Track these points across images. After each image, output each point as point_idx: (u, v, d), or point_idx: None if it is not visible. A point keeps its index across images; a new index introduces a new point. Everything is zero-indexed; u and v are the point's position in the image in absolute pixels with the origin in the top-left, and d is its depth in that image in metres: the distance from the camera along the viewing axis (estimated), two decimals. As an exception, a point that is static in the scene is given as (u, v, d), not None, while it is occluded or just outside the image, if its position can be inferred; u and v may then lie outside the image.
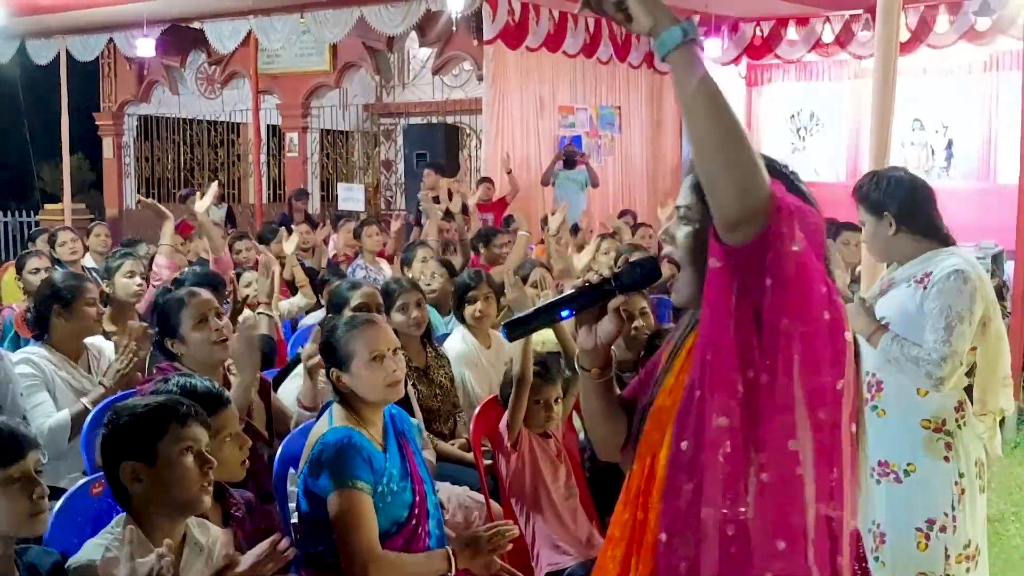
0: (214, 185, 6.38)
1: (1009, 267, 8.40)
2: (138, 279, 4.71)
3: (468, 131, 13.28)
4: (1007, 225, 6.73)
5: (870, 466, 2.82)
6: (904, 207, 2.89)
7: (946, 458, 2.79)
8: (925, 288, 2.79)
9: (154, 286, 4.92)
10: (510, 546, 2.80)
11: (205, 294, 3.41)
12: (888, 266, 3.04)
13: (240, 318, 4.94)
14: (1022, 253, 6.40)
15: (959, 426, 2.81)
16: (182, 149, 15.63)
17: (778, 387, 1.54)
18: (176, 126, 15.58)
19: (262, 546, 2.15)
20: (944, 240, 2.90)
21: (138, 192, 15.12)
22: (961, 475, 2.80)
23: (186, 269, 5.03)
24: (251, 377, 3.17)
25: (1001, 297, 8.11)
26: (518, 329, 1.79)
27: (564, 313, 1.74)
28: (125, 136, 15.62)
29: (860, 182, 3.01)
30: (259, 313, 4.80)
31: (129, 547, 2.08)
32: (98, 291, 3.86)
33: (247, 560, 2.14)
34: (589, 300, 1.72)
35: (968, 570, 2.81)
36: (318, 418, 2.87)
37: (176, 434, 2.17)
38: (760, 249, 1.49)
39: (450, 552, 2.67)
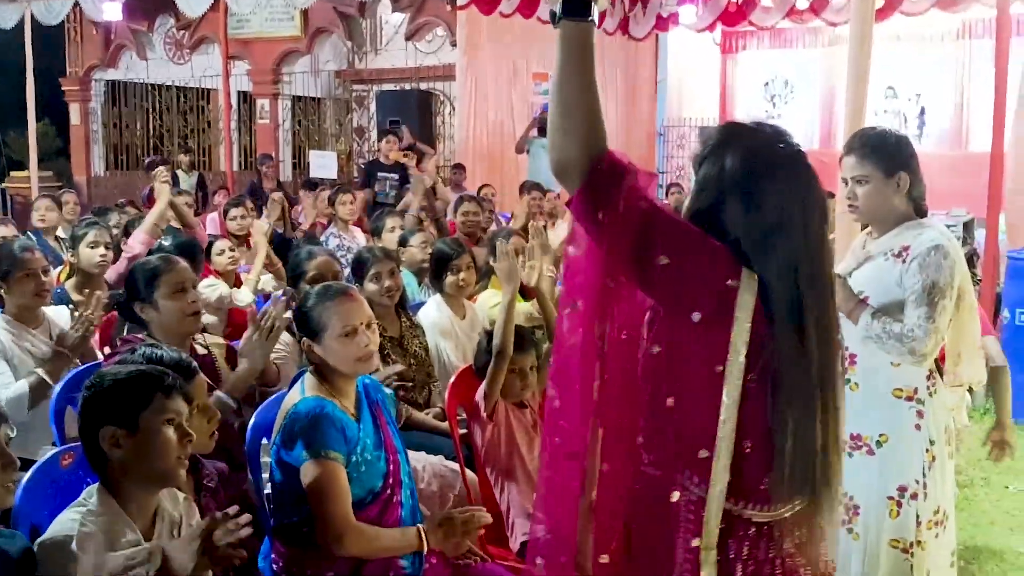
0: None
1: (980, 235, 8.48)
2: (102, 249, 4.62)
3: (441, 98, 13.19)
4: (978, 193, 6.76)
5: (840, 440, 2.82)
6: (914, 169, 2.85)
7: (917, 426, 2.80)
8: (904, 262, 2.77)
9: (126, 259, 4.83)
10: (482, 531, 2.80)
11: (183, 264, 3.39)
12: (868, 232, 3.00)
13: (236, 293, 4.95)
14: (993, 221, 6.44)
15: (930, 394, 2.82)
16: (151, 116, 15.43)
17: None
18: (145, 92, 15.36)
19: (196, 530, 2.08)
20: (920, 209, 2.88)
21: (106, 159, 14.94)
22: (932, 443, 2.81)
23: (163, 240, 4.96)
24: (260, 367, 3.19)
25: (971, 265, 8.19)
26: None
27: None
28: (92, 102, 15.39)
29: (866, 137, 2.92)
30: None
31: (103, 519, 2.07)
32: (44, 262, 3.77)
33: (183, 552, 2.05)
34: None
35: (937, 535, 2.84)
36: (290, 388, 2.84)
37: (160, 404, 2.15)
38: (576, 208, 1.66)
39: (422, 531, 2.66)
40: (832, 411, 1.75)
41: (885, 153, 2.84)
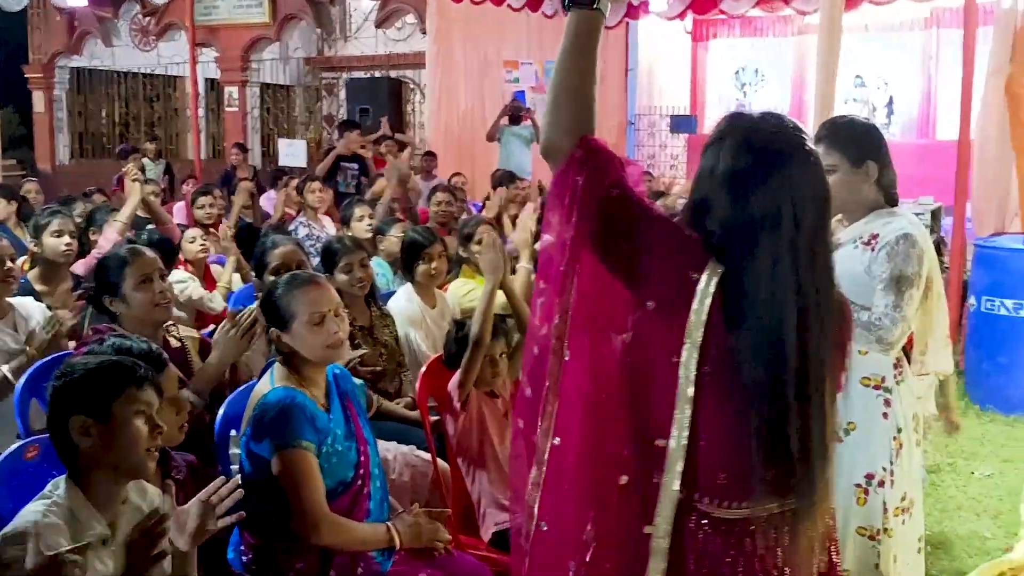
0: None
1: (947, 223, 8.56)
2: (67, 238, 4.54)
3: (412, 85, 13.12)
4: (946, 181, 6.82)
5: None
6: (883, 158, 2.85)
7: (885, 415, 2.81)
8: (873, 250, 2.77)
9: (96, 257, 4.76)
10: (448, 539, 2.82)
11: (149, 253, 3.34)
12: (839, 220, 3.00)
13: (206, 298, 4.91)
14: (960, 209, 6.49)
15: (897, 383, 2.84)
16: (117, 103, 15.23)
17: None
18: (110, 79, 15.17)
19: (207, 489, 2.19)
20: (891, 198, 2.89)
21: (71, 147, 14.75)
22: (899, 430, 2.82)
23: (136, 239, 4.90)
24: (230, 361, 3.18)
25: (939, 252, 8.27)
26: None
27: None
28: (57, 89, 15.18)
29: (834, 126, 2.91)
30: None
31: (68, 510, 2.06)
32: (11, 250, 3.72)
33: (195, 509, 2.17)
34: None
35: (904, 522, 2.86)
36: (259, 378, 2.81)
37: (132, 395, 2.13)
38: (553, 187, 1.72)
39: (392, 528, 2.66)
40: (816, 416, 1.70)
41: (853, 142, 2.83)
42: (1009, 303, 5.86)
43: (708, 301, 1.64)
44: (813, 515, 1.75)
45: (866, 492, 2.80)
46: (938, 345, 3.07)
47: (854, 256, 2.81)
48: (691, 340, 1.65)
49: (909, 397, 2.88)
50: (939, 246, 8.36)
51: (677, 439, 1.67)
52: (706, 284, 1.65)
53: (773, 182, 1.67)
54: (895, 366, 2.83)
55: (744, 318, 1.65)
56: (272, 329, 2.75)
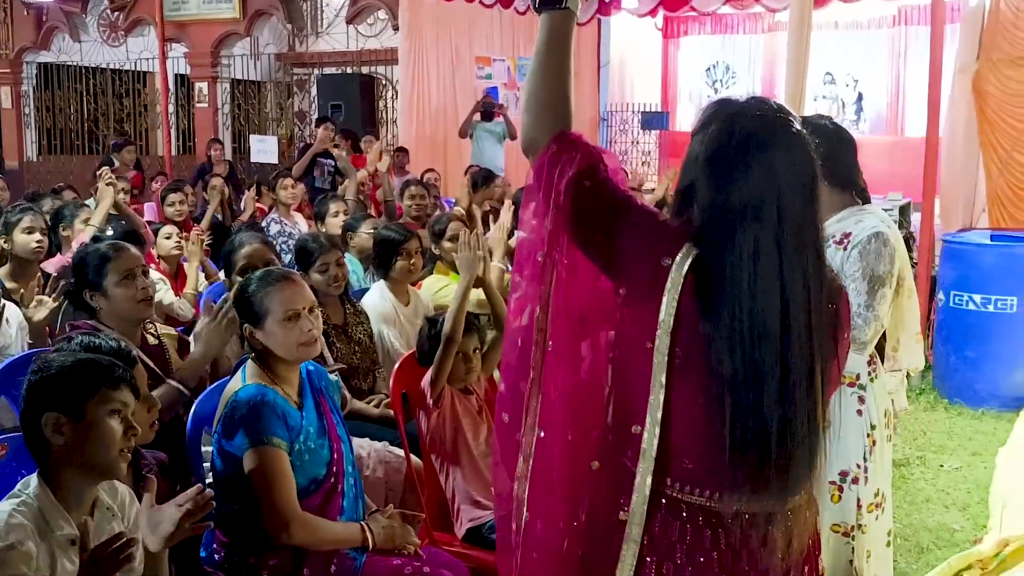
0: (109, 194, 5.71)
1: (916, 218, 8.64)
2: (38, 235, 4.49)
3: (384, 81, 13.08)
4: (914, 177, 6.89)
5: None
6: (829, 157, 2.87)
7: (859, 411, 2.84)
8: (845, 249, 2.80)
9: (68, 259, 4.71)
10: (418, 543, 2.82)
11: (133, 250, 3.33)
12: None
13: (176, 304, 4.87)
14: (928, 205, 6.56)
15: (871, 380, 2.87)
16: (85, 99, 15.06)
17: None
18: (78, 75, 14.99)
19: (185, 495, 2.16)
20: (861, 195, 2.91)
21: (39, 143, 14.57)
22: (873, 427, 2.85)
23: (107, 231, 4.85)
24: (214, 353, 3.14)
25: (908, 248, 8.35)
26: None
27: None
28: (24, 85, 14.99)
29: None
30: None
31: (39, 511, 2.04)
32: None
33: (171, 514, 2.15)
34: None
35: (877, 517, 2.89)
36: (231, 376, 2.80)
37: (106, 395, 2.11)
38: (531, 181, 1.76)
39: (367, 531, 2.65)
40: (800, 410, 1.65)
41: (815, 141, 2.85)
42: (977, 298, 5.93)
43: (681, 284, 1.64)
44: (798, 511, 1.74)
45: (840, 489, 2.82)
46: (910, 341, 3.10)
47: (827, 255, 2.82)
48: (663, 325, 1.64)
49: (882, 394, 2.91)
50: (908, 242, 8.45)
51: (650, 425, 1.67)
52: (679, 267, 1.64)
53: (755, 166, 1.65)
54: (869, 363, 2.86)
55: (721, 305, 1.63)
56: (246, 325, 2.73)
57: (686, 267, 1.64)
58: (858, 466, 2.82)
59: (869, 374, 2.85)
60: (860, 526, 2.84)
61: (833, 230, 2.84)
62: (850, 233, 2.81)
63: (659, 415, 1.66)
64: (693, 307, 1.64)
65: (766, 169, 1.65)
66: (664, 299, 1.64)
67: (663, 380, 1.65)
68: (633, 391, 1.70)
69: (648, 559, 1.70)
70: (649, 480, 1.68)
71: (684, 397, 1.66)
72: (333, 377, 3.09)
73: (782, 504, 1.71)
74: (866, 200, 2.91)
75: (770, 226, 1.64)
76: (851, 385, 2.83)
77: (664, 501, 1.70)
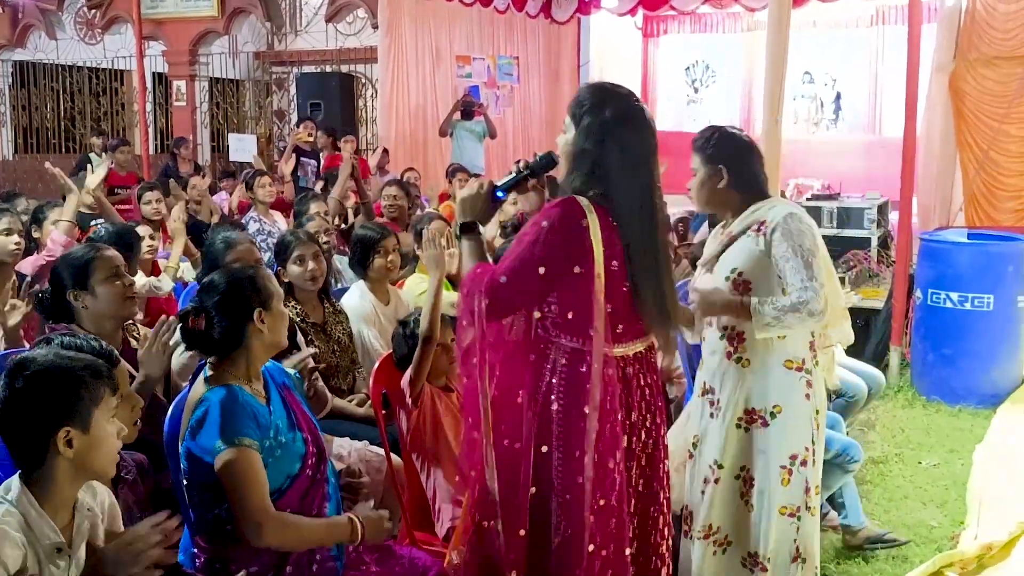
0: (105, 164, 5.93)
1: (893, 217, 8.71)
2: (16, 237, 4.43)
3: (363, 80, 13.04)
4: (892, 176, 6.93)
5: (738, 416, 2.96)
6: (738, 162, 3.05)
7: (807, 395, 2.94)
8: (764, 235, 2.91)
9: (46, 259, 4.67)
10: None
11: (113, 251, 3.41)
12: (723, 224, 3.15)
13: (154, 282, 4.83)
14: (906, 204, 6.61)
15: (815, 363, 2.98)
16: (62, 97, 14.94)
17: None
18: (55, 73, 14.87)
19: (148, 522, 2.09)
20: (763, 194, 3.06)
21: (15, 142, 14.45)
22: (817, 411, 2.96)
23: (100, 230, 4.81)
24: (157, 376, 3.10)
25: (886, 247, 8.41)
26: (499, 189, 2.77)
27: (499, 194, 2.75)
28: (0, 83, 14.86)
29: (699, 135, 3.14)
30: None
31: (23, 517, 2.01)
32: None
33: (143, 534, 2.08)
34: (514, 183, 2.78)
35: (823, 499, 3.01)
36: (194, 378, 2.74)
37: (109, 402, 2.10)
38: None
39: (357, 522, 2.61)
40: (667, 273, 2.64)
41: (708, 148, 3.07)
42: (954, 296, 5.97)
43: (598, 225, 2.49)
44: (669, 340, 2.77)
45: (790, 473, 2.92)
46: (838, 316, 3.21)
47: (750, 242, 2.96)
48: (597, 254, 2.49)
49: (822, 378, 3.04)
50: (886, 240, 8.52)
51: (599, 313, 2.51)
52: (592, 219, 2.49)
53: (644, 134, 2.59)
54: (810, 348, 2.97)
55: (630, 225, 2.53)
56: (258, 310, 2.67)
57: (594, 212, 2.49)
58: (806, 449, 2.94)
59: (812, 359, 2.97)
60: (808, 508, 2.93)
61: (749, 221, 2.99)
62: (764, 220, 2.94)
63: (603, 304, 2.53)
64: (612, 233, 2.52)
65: (648, 134, 2.60)
66: (592, 237, 2.48)
67: (602, 282, 2.51)
68: (578, 303, 2.54)
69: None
70: (602, 349, 2.53)
71: (613, 287, 2.53)
72: (291, 369, 3.04)
73: (666, 338, 2.75)
74: (765, 196, 3.07)
75: (649, 172, 2.58)
76: (798, 370, 2.94)
77: (606, 360, 2.55)
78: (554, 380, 2.57)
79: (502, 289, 2.50)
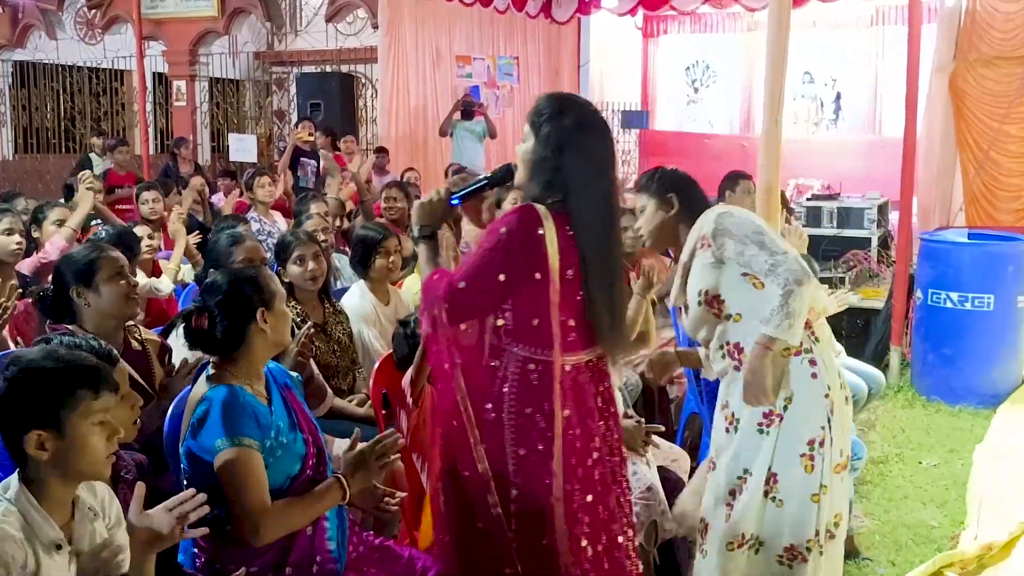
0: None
1: (894, 217, 8.71)
2: (17, 237, 4.42)
3: (363, 80, 13.05)
4: (892, 176, 6.93)
5: (756, 421, 2.91)
6: (684, 189, 3.12)
7: (813, 375, 2.88)
8: (709, 246, 2.92)
9: (41, 262, 4.67)
10: (398, 457, 2.78)
11: (116, 252, 3.42)
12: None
13: (155, 283, 4.83)
14: (906, 204, 6.61)
15: (815, 340, 2.93)
16: (62, 97, 14.94)
17: None
18: (55, 73, 14.87)
19: (177, 499, 2.14)
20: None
21: (15, 142, 14.45)
22: (829, 387, 2.89)
23: (100, 231, 4.81)
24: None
25: (886, 247, 8.41)
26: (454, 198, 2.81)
27: (454, 201, 2.80)
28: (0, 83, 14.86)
29: (640, 178, 3.23)
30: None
31: (22, 516, 2.01)
32: None
33: (161, 519, 2.12)
34: (471, 192, 2.84)
35: (843, 479, 2.96)
36: (193, 382, 2.74)
37: (89, 407, 2.04)
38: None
39: (342, 478, 2.62)
40: (618, 286, 2.69)
41: (654, 184, 3.13)
42: (954, 296, 5.97)
43: (555, 233, 2.52)
44: (619, 351, 2.80)
45: (811, 459, 2.87)
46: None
47: (703, 258, 2.98)
48: (552, 263, 2.53)
49: (830, 358, 2.96)
50: (886, 240, 8.52)
51: (555, 322, 2.57)
52: (548, 228, 2.52)
53: (604, 142, 2.65)
54: (806, 327, 2.89)
55: (586, 234, 2.56)
56: (260, 309, 2.67)
57: (552, 220, 2.52)
58: (823, 428, 2.87)
59: (810, 336, 2.92)
60: (823, 487, 2.87)
61: (692, 244, 3.02)
62: (703, 234, 2.96)
63: (558, 317, 2.58)
64: (567, 241, 2.55)
65: (607, 143, 2.68)
66: (548, 247, 2.52)
67: (558, 291, 2.56)
68: (536, 313, 2.57)
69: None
70: (560, 360, 2.59)
71: (567, 298, 2.58)
72: (293, 348, 3.05)
73: (614, 353, 2.77)
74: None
75: (609, 181, 2.65)
76: (798, 354, 2.88)
77: (563, 371, 2.60)
78: (505, 388, 2.60)
79: (461, 294, 2.54)
